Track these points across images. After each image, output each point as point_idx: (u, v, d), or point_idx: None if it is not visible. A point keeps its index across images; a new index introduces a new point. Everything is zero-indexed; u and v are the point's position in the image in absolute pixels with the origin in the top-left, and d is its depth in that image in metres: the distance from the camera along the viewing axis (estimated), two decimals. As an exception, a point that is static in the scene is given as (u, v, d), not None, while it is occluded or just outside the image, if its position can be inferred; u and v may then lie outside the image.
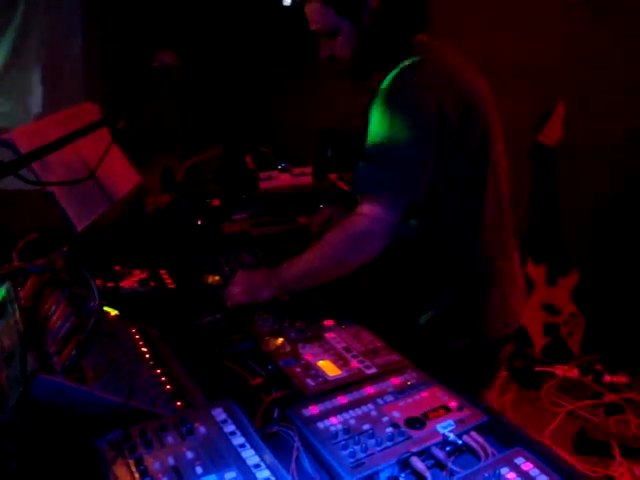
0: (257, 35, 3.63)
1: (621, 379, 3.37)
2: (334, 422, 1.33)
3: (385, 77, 1.62)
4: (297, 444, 1.29)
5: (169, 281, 1.94)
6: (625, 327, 3.45)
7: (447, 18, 1.78)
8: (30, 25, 3.66)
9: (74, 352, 1.11)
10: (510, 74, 3.36)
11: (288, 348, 1.62)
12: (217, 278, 2.02)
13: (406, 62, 1.61)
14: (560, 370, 3.50)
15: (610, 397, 3.24)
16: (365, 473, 1.19)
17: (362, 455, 1.23)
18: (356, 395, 1.43)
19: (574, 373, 3.48)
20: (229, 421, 1.19)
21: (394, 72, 1.60)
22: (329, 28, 1.66)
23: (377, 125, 1.59)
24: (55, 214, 1.94)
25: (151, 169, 2.80)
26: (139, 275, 1.93)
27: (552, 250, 3.64)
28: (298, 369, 1.52)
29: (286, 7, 3.16)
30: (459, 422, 1.34)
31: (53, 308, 1.28)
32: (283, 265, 1.76)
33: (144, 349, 1.48)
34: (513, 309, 1.83)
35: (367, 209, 1.64)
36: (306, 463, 1.25)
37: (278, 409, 1.39)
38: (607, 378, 3.39)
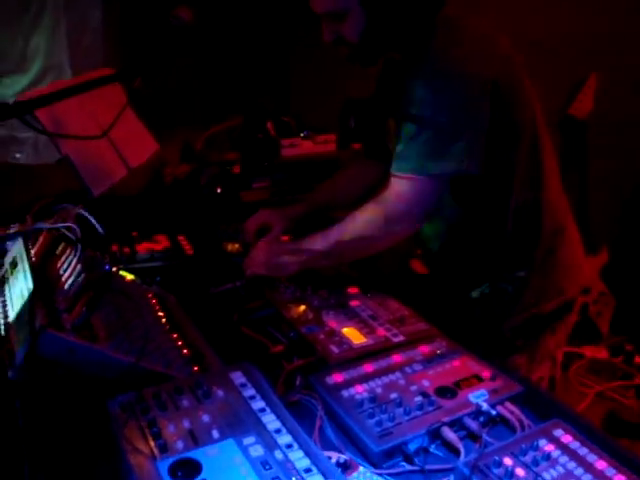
0: (275, 2, 3.54)
1: (652, 361, 3.27)
2: (360, 390, 1.26)
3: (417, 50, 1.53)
4: (320, 412, 1.22)
5: (187, 247, 1.87)
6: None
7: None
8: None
9: (84, 308, 1.05)
10: (540, 46, 3.24)
11: (311, 315, 1.54)
12: (237, 246, 1.96)
13: (446, 32, 1.51)
14: (589, 351, 3.39)
15: (641, 379, 3.14)
16: (393, 443, 1.12)
17: (390, 424, 1.16)
18: (383, 363, 1.36)
19: (603, 354, 3.37)
20: (248, 385, 1.12)
21: (438, 40, 1.49)
22: (338, 10, 1.52)
23: (421, 96, 1.48)
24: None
25: (170, 142, 2.74)
26: (156, 241, 1.87)
27: (581, 227, 3.52)
28: (322, 336, 1.45)
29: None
30: (492, 392, 1.26)
31: (64, 266, 1.22)
32: (309, 239, 1.67)
33: (160, 313, 1.42)
34: (573, 277, 1.75)
35: (406, 191, 1.52)
36: (330, 433, 1.18)
37: (300, 377, 1.32)
38: (638, 359, 3.29)
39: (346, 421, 1.18)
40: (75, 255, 1.21)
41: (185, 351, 1.29)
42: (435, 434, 1.16)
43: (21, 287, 1.18)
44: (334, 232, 1.62)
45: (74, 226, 1.26)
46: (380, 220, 1.56)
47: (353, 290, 1.69)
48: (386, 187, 1.55)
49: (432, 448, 1.16)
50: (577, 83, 3.51)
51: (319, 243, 1.63)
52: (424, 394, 1.24)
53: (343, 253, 1.64)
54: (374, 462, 1.11)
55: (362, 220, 1.58)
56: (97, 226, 1.08)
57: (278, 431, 1.00)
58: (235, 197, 2.29)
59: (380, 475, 1.07)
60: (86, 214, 1.15)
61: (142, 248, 1.80)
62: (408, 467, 1.12)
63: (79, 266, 1.18)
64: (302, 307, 1.58)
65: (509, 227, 1.63)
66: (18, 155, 3.50)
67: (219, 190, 2.29)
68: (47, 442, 0.92)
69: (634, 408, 2.97)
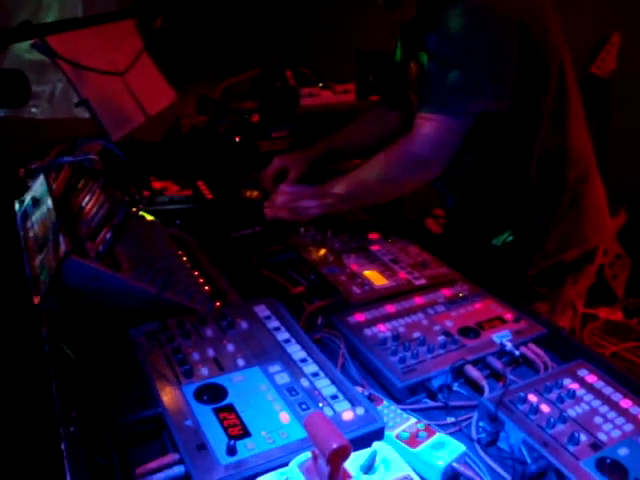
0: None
1: (668, 322, 3.25)
2: (382, 329, 1.25)
3: None
4: (343, 350, 1.21)
5: (207, 192, 1.86)
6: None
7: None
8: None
9: (109, 235, 1.04)
10: (562, 4, 3.16)
11: (332, 258, 1.53)
12: (255, 193, 1.94)
13: None
14: (604, 312, 3.37)
15: (656, 339, 3.13)
16: (416, 379, 1.12)
17: (413, 361, 1.16)
18: (405, 304, 1.35)
19: (618, 316, 3.35)
20: (273, 317, 1.12)
21: None
22: None
23: (449, 36, 1.45)
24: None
25: (186, 97, 2.70)
26: (176, 186, 1.85)
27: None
28: (343, 277, 1.44)
29: None
30: (516, 333, 1.25)
31: (87, 198, 1.21)
32: (332, 182, 1.65)
33: (181, 252, 1.41)
34: (596, 226, 1.74)
35: (432, 132, 1.50)
36: (352, 370, 1.18)
37: (322, 317, 1.32)
38: (652, 321, 3.27)
39: (369, 358, 1.17)
40: (98, 186, 1.20)
41: (207, 287, 1.28)
42: (458, 372, 1.16)
43: (44, 219, 1.17)
44: (358, 175, 1.60)
45: (96, 158, 1.25)
46: (406, 162, 1.53)
47: (374, 236, 1.67)
48: (412, 129, 1.53)
49: (455, 386, 1.16)
50: (600, 42, 3.43)
51: (343, 186, 1.61)
52: (447, 333, 1.24)
53: (367, 196, 1.63)
54: (398, 398, 1.11)
55: (387, 162, 1.56)
56: (120, 154, 1.06)
57: (304, 360, 1.00)
58: (253, 146, 2.27)
59: (404, 410, 1.06)
60: (109, 145, 1.13)
61: (162, 191, 1.79)
62: (431, 403, 1.12)
63: (102, 197, 1.17)
64: (323, 250, 1.57)
65: (533, 173, 1.61)
66: (34, 110, 3.47)
67: (237, 139, 2.27)
68: (73, 367, 0.92)
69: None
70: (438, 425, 1.04)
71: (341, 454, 0.70)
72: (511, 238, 1.69)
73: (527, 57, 1.46)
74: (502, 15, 1.43)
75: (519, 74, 1.46)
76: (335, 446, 0.68)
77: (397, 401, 1.10)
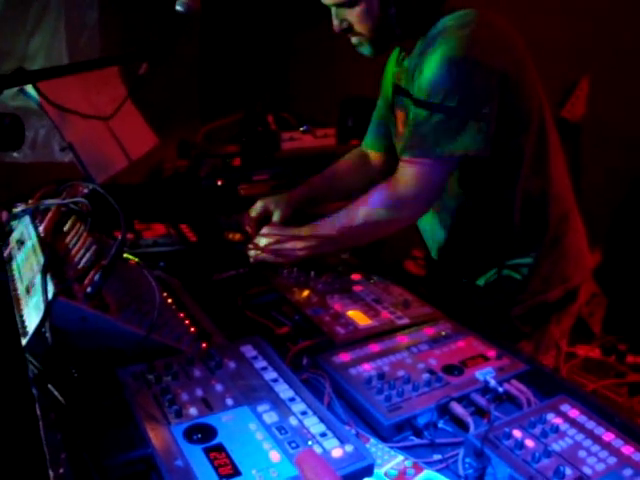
0: (273, 1, 3.56)
1: (645, 359, 3.29)
2: (367, 368, 1.26)
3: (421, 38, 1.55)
4: (328, 390, 1.22)
5: (190, 234, 1.88)
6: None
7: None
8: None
9: (97, 277, 1.05)
10: (534, 49, 3.28)
11: (315, 299, 1.55)
12: (238, 235, 1.96)
13: (458, 15, 1.53)
14: (582, 350, 3.42)
15: (634, 377, 3.16)
16: (402, 417, 1.13)
17: (398, 399, 1.17)
18: (389, 344, 1.36)
19: (596, 353, 3.40)
20: (259, 357, 1.13)
21: (447, 25, 1.51)
22: (349, 0, 1.52)
23: (432, 82, 1.49)
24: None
25: (168, 142, 2.74)
26: (159, 228, 1.87)
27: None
28: (327, 318, 1.46)
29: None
30: (499, 370, 1.27)
31: (74, 240, 1.22)
32: (317, 224, 1.68)
33: (165, 293, 1.42)
34: (578, 264, 1.77)
35: (414, 175, 1.54)
36: (339, 409, 1.18)
37: (307, 357, 1.33)
38: (630, 358, 3.31)
39: (355, 397, 1.18)
40: (85, 229, 1.21)
41: (192, 329, 1.29)
42: (444, 409, 1.17)
43: (30, 262, 1.18)
44: (343, 216, 1.63)
45: (84, 200, 1.26)
46: (391, 204, 1.57)
47: (356, 276, 1.69)
48: (396, 171, 1.57)
49: (441, 423, 1.17)
50: (569, 87, 3.55)
51: (328, 228, 1.64)
52: (431, 371, 1.25)
53: (352, 237, 1.65)
54: (384, 436, 1.11)
55: (371, 204, 1.60)
56: (110, 199, 1.08)
57: (292, 399, 1.01)
58: (235, 190, 2.30)
59: (391, 448, 1.07)
60: (99, 189, 1.14)
61: (145, 234, 1.80)
62: (418, 441, 1.12)
63: (90, 239, 1.18)
64: (306, 291, 1.59)
65: (516, 214, 1.65)
66: (16, 154, 3.49)
67: (219, 183, 2.30)
68: (61, 408, 0.91)
69: (627, 406, 2.98)
70: (425, 462, 1.05)
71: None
72: (495, 278, 1.72)
73: (508, 102, 1.52)
74: (483, 63, 1.48)
75: (501, 118, 1.51)
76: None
77: (384, 439, 1.11)
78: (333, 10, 1.59)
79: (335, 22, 1.59)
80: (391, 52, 1.82)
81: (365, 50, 1.63)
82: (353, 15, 1.55)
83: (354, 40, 1.62)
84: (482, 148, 1.49)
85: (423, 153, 1.51)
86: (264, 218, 1.90)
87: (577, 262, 1.75)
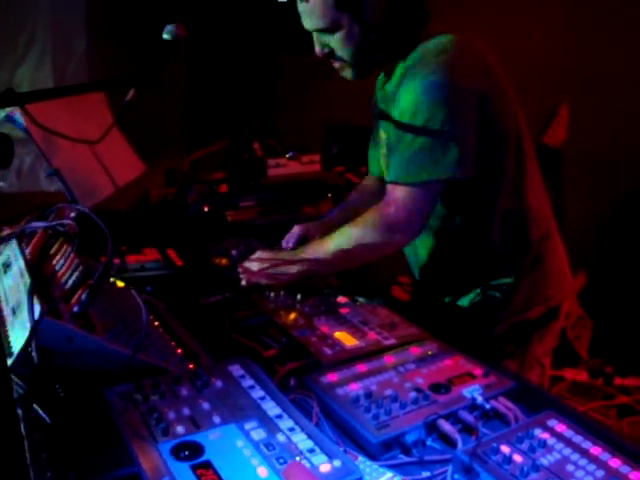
0: (258, 29, 3.61)
1: (632, 382, 3.30)
2: (354, 388, 1.26)
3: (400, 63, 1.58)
4: (316, 409, 1.21)
5: (177, 259, 1.88)
6: (634, 330, 3.38)
7: (445, 18, 1.72)
8: (37, 28, 3.67)
9: (84, 296, 1.05)
10: (514, 74, 3.35)
11: (302, 321, 1.55)
12: (224, 261, 1.97)
13: (437, 39, 1.56)
14: (569, 373, 3.43)
15: (622, 399, 3.17)
16: (390, 435, 1.12)
17: (386, 418, 1.17)
18: (376, 364, 1.36)
19: (583, 376, 3.41)
20: (247, 376, 1.13)
21: (426, 49, 1.55)
22: (329, 26, 1.55)
23: (413, 106, 1.52)
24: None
25: (155, 170, 2.76)
26: (146, 254, 1.87)
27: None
28: (314, 339, 1.46)
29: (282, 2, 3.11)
30: (486, 388, 1.28)
31: (61, 262, 1.22)
32: (308, 248, 1.70)
33: (152, 316, 1.42)
34: (558, 283, 1.79)
35: (403, 199, 1.56)
36: (326, 429, 1.18)
37: (294, 378, 1.32)
38: (617, 381, 3.32)
39: (343, 416, 1.18)
40: (72, 250, 1.21)
41: (179, 350, 1.29)
42: (431, 427, 1.17)
43: (17, 284, 1.18)
44: (333, 241, 1.65)
45: (70, 222, 1.27)
46: (382, 226, 1.59)
47: (343, 299, 1.70)
48: (385, 195, 1.59)
49: (429, 441, 1.17)
50: (550, 113, 3.63)
51: (319, 252, 1.65)
52: (418, 390, 1.25)
53: (342, 261, 1.67)
54: (372, 454, 1.11)
55: (361, 229, 1.61)
56: (99, 222, 1.08)
57: (279, 416, 1.01)
58: (222, 216, 2.31)
59: (380, 466, 1.06)
60: (88, 211, 1.15)
61: (132, 259, 1.80)
62: (406, 459, 1.12)
63: (76, 260, 1.18)
64: (293, 314, 1.59)
65: (496, 235, 1.67)
66: (2, 184, 3.49)
67: (206, 209, 2.31)
68: (47, 428, 0.91)
69: (616, 428, 2.98)
70: (414, 480, 1.05)
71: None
72: (478, 299, 1.73)
73: (487, 123, 1.55)
74: (462, 86, 1.52)
75: (480, 139, 1.54)
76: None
77: (372, 458, 1.10)
78: (315, 36, 1.62)
79: (317, 47, 1.63)
80: (375, 76, 1.85)
81: (347, 74, 1.66)
82: (334, 40, 1.58)
83: (336, 65, 1.65)
84: (466, 170, 1.52)
85: (410, 178, 1.53)
86: (303, 242, 1.89)
87: (558, 281, 1.77)
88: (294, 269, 1.68)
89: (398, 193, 1.56)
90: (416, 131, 1.51)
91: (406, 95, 1.54)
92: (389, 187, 1.59)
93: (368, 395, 1.22)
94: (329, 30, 1.57)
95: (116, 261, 1.77)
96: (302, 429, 0.98)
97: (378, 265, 2.07)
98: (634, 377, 3.36)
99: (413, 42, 1.59)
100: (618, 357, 3.48)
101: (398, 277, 3.84)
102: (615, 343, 3.49)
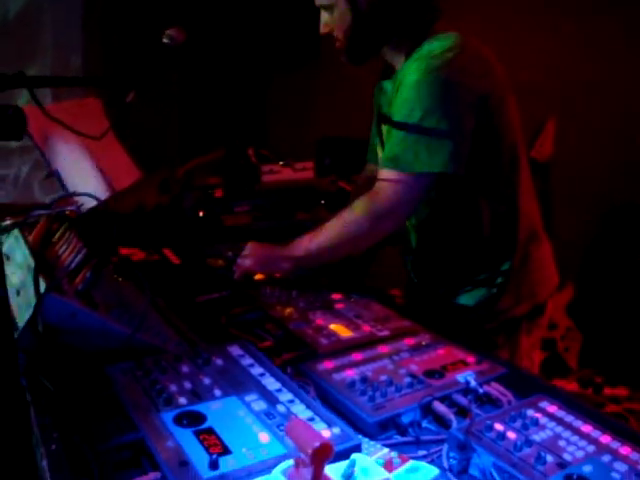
0: (253, 42, 3.67)
1: (621, 392, 3.33)
2: (350, 374, 1.28)
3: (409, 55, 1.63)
4: (313, 394, 1.23)
5: (173, 258, 1.90)
6: (622, 341, 3.42)
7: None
8: (35, 42, 3.72)
9: (89, 274, 1.07)
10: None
11: (298, 315, 1.58)
12: (220, 262, 1.99)
13: (443, 38, 1.60)
14: (560, 384, 3.45)
15: (612, 408, 3.19)
16: (386, 415, 1.15)
17: (382, 399, 1.19)
18: (371, 353, 1.39)
19: (573, 387, 3.43)
20: (246, 356, 1.15)
21: (431, 46, 1.59)
22: (325, 1, 1.64)
23: (412, 100, 1.57)
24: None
25: (150, 182, 2.78)
26: (143, 252, 1.89)
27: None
28: (310, 331, 1.48)
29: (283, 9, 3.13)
30: (479, 373, 1.30)
31: (64, 247, 1.24)
32: (300, 240, 1.73)
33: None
34: (544, 281, 1.83)
35: (392, 186, 1.60)
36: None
37: (291, 367, 1.35)
38: (607, 391, 3.35)
39: (339, 399, 1.20)
40: (75, 235, 1.23)
41: (179, 337, 1.30)
42: (427, 409, 1.19)
43: (21, 266, 1.19)
44: (324, 232, 1.68)
45: (74, 207, 1.29)
46: (367, 218, 1.62)
47: (337, 296, 1.73)
48: (376, 184, 1.63)
49: (424, 423, 1.19)
50: (537, 128, 3.70)
51: (311, 243, 1.69)
52: (413, 375, 1.28)
53: (333, 252, 1.70)
54: (369, 434, 1.13)
55: (350, 219, 1.65)
56: (96, 198, 1.11)
57: (279, 390, 1.03)
58: (217, 220, 2.34)
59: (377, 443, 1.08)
60: (92, 195, 1.18)
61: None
62: (402, 439, 1.14)
63: (79, 243, 1.20)
64: (289, 308, 1.62)
65: (486, 228, 1.71)
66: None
67: (201, 214, 2.34)
68: (51, 397, 0.92)
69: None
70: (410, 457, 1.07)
71: (323, 453, 0.72)
72: (469, 295, 1.77)
73: (487, 122, 1.61)
74: (462, 84, 1.57)
75: (479, 137, 1.59)
76: (317, 444, 0.71)
77: (369, 438, 1.12)
78: (321, 14, 1.69)
79: (321, 25, 1.69)
80: (371, 84, 1.90)
81: (343, 57, 1.71)
82: (332, 19, 1.65)
83: (336, 45, 1.71)
84: (458, 166, 1.56)
85: (402, 169, 1.57)
86: None
87: (543, 280, 1.82)
88: (286, 258, 1.73)
89: (390, 183, 1.60)
90: (414, 125, 1.56)
91: (407, 89, 1.58)
92: (381, 173, 1.63)
93: (364, 380, 1.25)
94: (327, 7, 1.64)
95: (114, 260, 1.79)
96: (301, 401, 1.00)
97: (371, 276, 2.11)
98: (623, 387, 3.39)
99: (418, 39, 1.63)
100: (607, 367, 3.51)
101: (390, 290, 3.87)
102: (604, 354, 3.53)
